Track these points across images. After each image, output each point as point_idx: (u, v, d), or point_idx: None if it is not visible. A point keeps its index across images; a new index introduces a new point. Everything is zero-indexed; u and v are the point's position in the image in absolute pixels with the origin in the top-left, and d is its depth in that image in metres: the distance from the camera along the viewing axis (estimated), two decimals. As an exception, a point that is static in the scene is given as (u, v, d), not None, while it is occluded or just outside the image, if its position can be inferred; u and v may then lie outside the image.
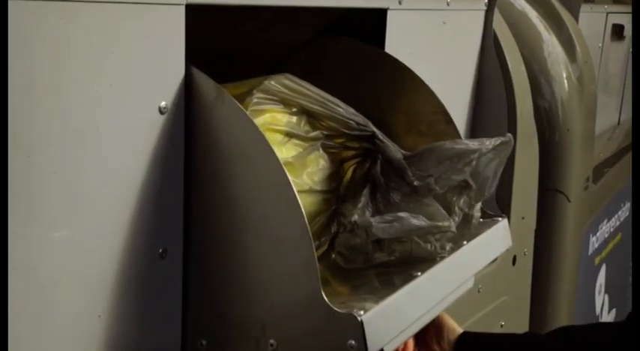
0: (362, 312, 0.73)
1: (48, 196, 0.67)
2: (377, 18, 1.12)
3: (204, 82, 0.79)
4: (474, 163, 0.87)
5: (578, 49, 1.86)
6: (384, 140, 0.94)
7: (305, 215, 0.75)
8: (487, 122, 1.52)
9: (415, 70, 1.09)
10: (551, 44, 1.82)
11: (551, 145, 1.76)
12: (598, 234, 2.23)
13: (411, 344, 0.97)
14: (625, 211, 2.52)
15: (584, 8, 2.04)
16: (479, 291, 1.38)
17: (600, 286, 2.35)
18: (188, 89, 0.80)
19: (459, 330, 0.95)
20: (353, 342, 0.72)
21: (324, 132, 0.95)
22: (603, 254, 2.34)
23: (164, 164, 0.79)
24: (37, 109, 0.65)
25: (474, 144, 0.88)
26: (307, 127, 0.94)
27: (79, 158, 0.69)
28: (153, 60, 0.75)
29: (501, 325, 1.51)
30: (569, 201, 1.80)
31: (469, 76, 1.47)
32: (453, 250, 0.89)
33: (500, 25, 1.50)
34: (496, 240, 1.01)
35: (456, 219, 0.88)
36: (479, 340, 0.95)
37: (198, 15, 0.79)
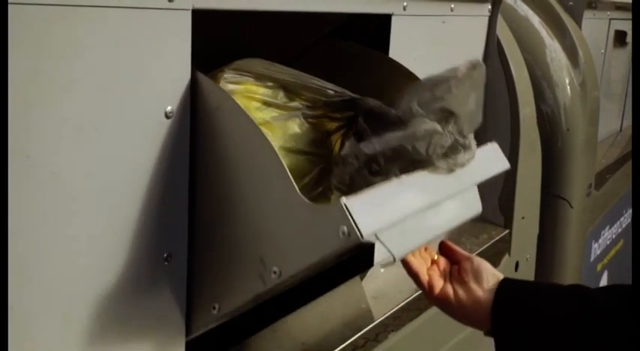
0: (344, 199, 0.71)
1: (48, 197, 0.67)
2: (381, 23, 1.12)
3: (210, 86, 0.80)
4: (453, 90, 0.86)
5: (580, 54, 1.86)
6: (364, 97, 0.92)
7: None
8: (490, 127, 1.51)
9: (419, 75, 1.09)
10: (554, 50, 1.82)
11: (554, 150, 1.76)
12: (600, 240, 2.22)
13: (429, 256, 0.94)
14: (627, 217, 2.52)
15: (587, 14, 2.04)
16: (481, 297, 1.38)
17: (602, 292, 2.34)
18: (194, 94, 0.80)
19: (500, 275, 0.91)
20: (344, 228, 0.71)
21: (304, 103, 0.92)
22: (605, 261, 2.33)
23: (169, 168, 0.79)
24: (37, 111, 0.65)
25: (447, 73, 0.88)
26: (285, 99, 0.92)
27: (79, 160, 0.69)
28: (159, 65, 0.75)
29: (503, 331, 1.51)
30: (571, 207, 1.80)
31: (472, 81, 1.47)
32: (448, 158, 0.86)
33: (503, 31, 1.50)
34: (490, 158, 0.99)
35: (447, 140, 0.86)
36: (522, 289, 0.90)
37: (204, 19, 0.79)
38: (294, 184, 0.74)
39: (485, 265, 0.92)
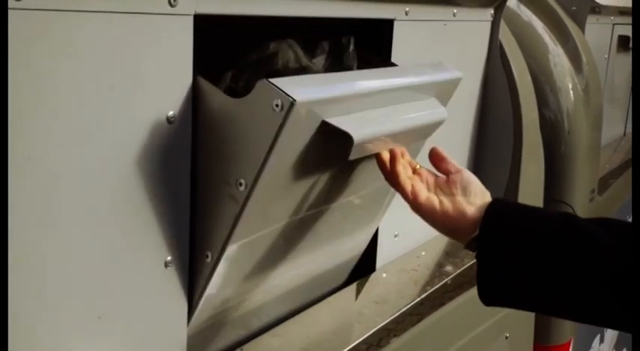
0: (263, 79, 0.75)
1: (48, 198, 0.67)
2: (384, 28, 1.12)
3: (212, 92, 0.80)
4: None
5: (584, 60, 1.86)
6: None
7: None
8: (493, 133, 1.51)
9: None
10: (557, 55, 1.82)
11: (557, 156, 1.76)
12: (603, 245, 2.21)
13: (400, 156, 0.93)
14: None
15: (591, 19, 2.04)
16: (484, 302, 1.37)
17: (605, 297, 2.33)
18: (195, 99, 0.80)
19: (488, 194, 0.91)
20: (276, 101, 0.73)
21: None
22: (608, 266, 2.32)
23: (171, 173, 0.79)
24: (40, 114, 0.65)
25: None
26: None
27: (80, 162, 0.69)
28: (161, 70, 0.75)
29: (506, 337, 1.51)
30: (574, 212, 1.80)
31: (475, 86, 1.47)
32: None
33: (506, 36, 1.50)
34: (428, 105, 1.01)
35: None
36: (513, 211, 0.89)
37: (205, 25, 0.79)
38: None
39: (474, 180, 0.92)
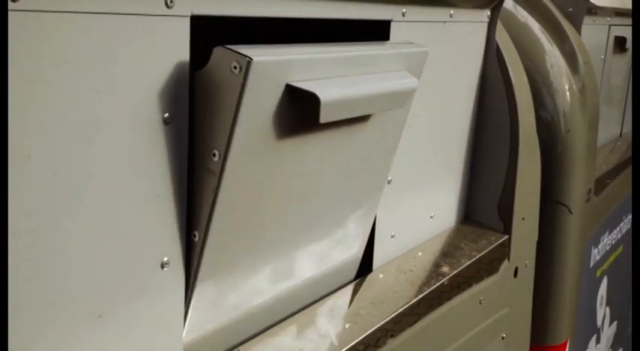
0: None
1: (48, 197, 0.67)
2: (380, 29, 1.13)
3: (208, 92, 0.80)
4: None
5: (580, 61, 1.87)
6: None
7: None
8: (490, 133, 1.52)
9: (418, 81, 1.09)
10: (553, 56, 1.82)
11: (553, 156, 1.76)
12: (600, 246, 2.22)
13: None
14: (627, 223, 2.52)
15: (587, 20, 2.04)
16: (480, 303, 1.38)
17: (602, 298, 2.34)
18: (192, 100, 0.80)
19: None
20: (233, 64, 0.74)
21: None
22: (605, 266, 2.33)
23: (168, 174, 0.79)
24: (38, 112, 0.65)
25: None
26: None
27: (79, 162, 0.69)
28: (157, 71, 0.75)
29: (503, 337, 1.51)
30: (571, 213, 1.80)
31: (472, 87, 1.47)
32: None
33: (502, 37, 1.50)
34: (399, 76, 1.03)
35: None
36: None
37: (202, 26, 0.79)
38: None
39: None
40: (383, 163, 1.11)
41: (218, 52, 0.76)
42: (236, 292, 0.94)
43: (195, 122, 0.80)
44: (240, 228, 0.88)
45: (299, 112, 0.84)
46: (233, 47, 0.75)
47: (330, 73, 0.87)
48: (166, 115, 0.77)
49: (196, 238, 0.84)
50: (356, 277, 1.22)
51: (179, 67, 0.77)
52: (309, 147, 0.91)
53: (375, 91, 0.94)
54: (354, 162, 1.00)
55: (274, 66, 0.78)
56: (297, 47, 0.86)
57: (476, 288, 1.36)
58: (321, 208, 1.01)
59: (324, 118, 0.84)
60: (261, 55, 0.76)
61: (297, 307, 1.08)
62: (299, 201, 0.96)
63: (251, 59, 0.74)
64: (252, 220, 0.90)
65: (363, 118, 0.98)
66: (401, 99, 1.01)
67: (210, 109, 0.78)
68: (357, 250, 1.18)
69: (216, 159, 0.79)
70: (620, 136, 2.65)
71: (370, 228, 1.19)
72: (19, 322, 0.67)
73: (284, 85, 0.80)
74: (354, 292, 1.19)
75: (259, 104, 0.78)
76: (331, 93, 0.84)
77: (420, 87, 1.14)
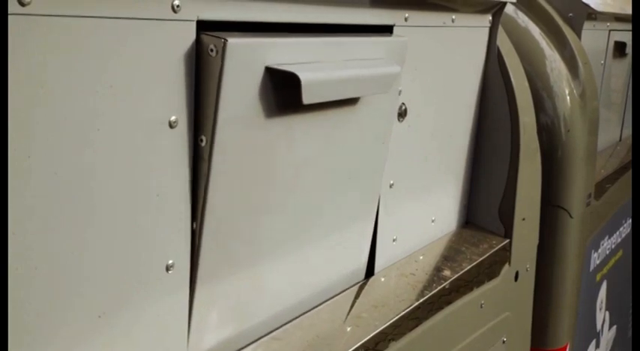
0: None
1: (48, 198, 0.67)
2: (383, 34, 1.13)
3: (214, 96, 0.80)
4: None
5: (580, 65, 1.87)
6: None
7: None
8: (490, 137, 1.52)
9: (419, 85, 1.10)
10: (554, 60, 1.83)
11: (554, 161, 1.77)
12: (599, 250, 2.23)
13: None
14: (626, 227, 2.53)
15: (587, 25, 2.05)
16: (481, 306, 1.38)
17: (601, 302, 2.35)
18: (197, 104, 0.80)
19: None
20: (210, 46, 0.76)
21: None
22: (604, 270, 2.34)
23: (172, 177, 0.79)
24: (40, 114, 0.65)
25: None
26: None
27: (81, 163, 0.70)
28: (163, 75, 0.75)
29: (503, 341, 1.51)
30: (571, 217, 1.81)
31: (473, 91, 1.48)
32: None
33: (503, 42, 1.51)
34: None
35: None
36: None
37: (207, 30, 0.79)
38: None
39: None
40: (377, 156, 1.11)
41: (202, 39, 0.77)
42: (236, 292, 0.94)
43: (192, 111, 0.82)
44: (236, 217, 0.88)
45: (283, 96, 0.85)
46: (213, 33, 0.77)
47: (311, 58, 0.88)
48: (172, 118, 0.77)
49: (194, 226, 0.84)
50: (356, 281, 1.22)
51: (185, 70, 0.78)
52: (298, 133, 0.91)
53: (357, 74, 0.95)
54: (347, 151, 1.00)
55: (251, 48, 0.79)
56: (278, 34, 0.88)
57: (477, 292, 1.36)
58: (318, 202, 1.01)
59: (307, 99, 0.84)
60: (237, 37, 0.78)
61: (301, 311, 1.08)
62: (294, 192, 0.96)
63: (226, 40, 0.75)
64: (248, 210, 0.90)
65: (350, 104, 0.99)
66: (384, 84, 1.02)
67: (197, 95, 0.80)
68: (360, 252, 1.19)
69: (203, 145, 0.80)
70: (620, 140, 2.66)
71: (372, 227, 1.20)
72: (18, 324, 0.67)
73: (263, 67, 0.81)
74: (356, 295, 1.19)
75: (240, 87, 0.80)
76: (312, 74, 0.85)
77: (422, 91, 1.15)
